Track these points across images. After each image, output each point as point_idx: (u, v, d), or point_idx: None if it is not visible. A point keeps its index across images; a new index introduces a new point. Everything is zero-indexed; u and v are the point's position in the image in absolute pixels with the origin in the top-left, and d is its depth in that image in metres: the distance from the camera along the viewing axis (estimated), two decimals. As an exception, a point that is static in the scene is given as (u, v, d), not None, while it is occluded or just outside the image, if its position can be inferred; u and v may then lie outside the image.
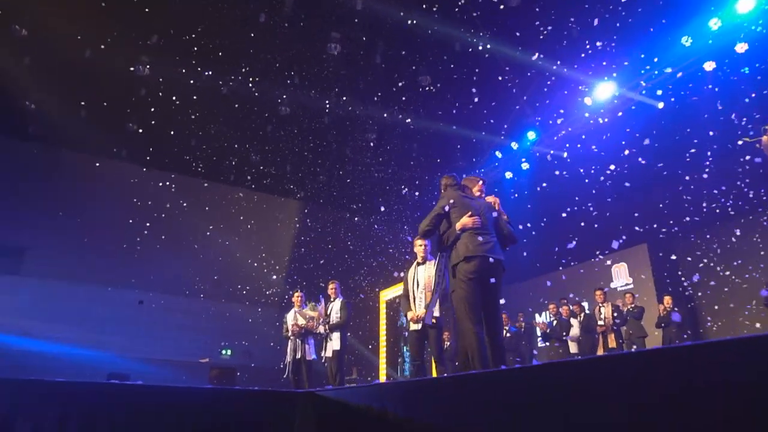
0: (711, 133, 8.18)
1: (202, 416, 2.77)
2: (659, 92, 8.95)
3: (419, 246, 5.59)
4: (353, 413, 2.97)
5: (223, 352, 13.48)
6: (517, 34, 8.92)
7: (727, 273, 8.89)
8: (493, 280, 3.94)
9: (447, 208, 4.21)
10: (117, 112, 10.36)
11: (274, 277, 13.61)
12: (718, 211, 8.60)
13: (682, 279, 9.69)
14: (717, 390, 1.32)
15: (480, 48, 9.21)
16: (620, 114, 9.41)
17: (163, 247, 11.98)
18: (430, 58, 9.68)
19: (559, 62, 9.10)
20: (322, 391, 3.06)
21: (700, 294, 9.44)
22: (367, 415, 2.91)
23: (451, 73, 9.91)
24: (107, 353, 10.82)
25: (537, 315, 11.58)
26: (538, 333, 9.87)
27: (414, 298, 5.46)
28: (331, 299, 7.31)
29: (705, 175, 8.73)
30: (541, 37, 8.74)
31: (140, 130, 10.59)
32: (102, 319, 11.49)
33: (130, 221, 11.66)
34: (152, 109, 10.33)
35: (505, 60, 9.54)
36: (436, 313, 5.21)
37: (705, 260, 9.16)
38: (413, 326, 5.36)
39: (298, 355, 7.25)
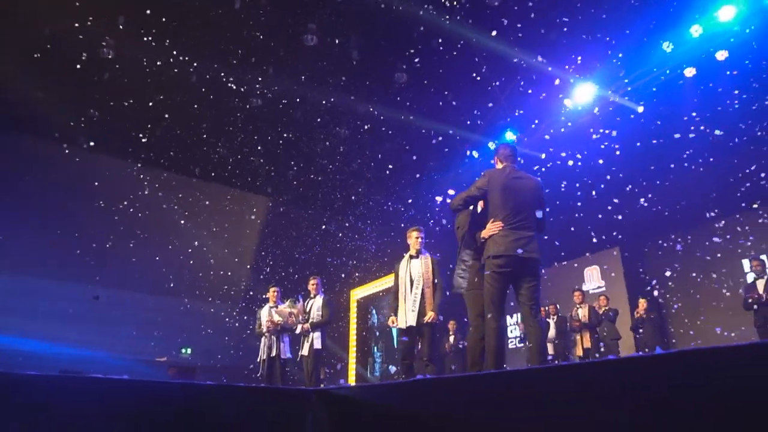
0: (676, 134, 8.33)
1: (206, 415, 2.51)
2: (629, 98, 9.05)
3: (415, 238, 5.30)
4: (368, 412, 2.79)
5: (183, 350, 12.96)
6: (497, 31, 8.85)
7: (698, 277, 9.04)
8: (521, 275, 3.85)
9: (482, 191, 4.02)
10: (79, 96, 9.78)
11: (241, 275, 13.17)
12: (699, 215, 8.76)
13: (654, 282, 9.82)
14: (711, 394, 1.51)
15: (459, 44, 9.11)
16: (599, 116, 9.45)
17: (121, 241, 11.42)
18: (408, 53, 9.51)
19: (539, 62, 9.08)
20: (336, 388, 2.86)
21: (670, 297, 9.58)
22: (383, 414, 2.74)
23: (428, 70, 9.77)
24: (59, 349, 10.24)
25: (508, 317, 11.55)
26: (517, 333, 9.83)
27: (405, 296, 5.18)
28: (312, 295, 7.00)
29: (679, 181, 8.89)
30: (521, 35, 8.70)
31: (105, 117, 10.06)
32: (54, 314, 10.82)
33: (87, 212, 11.05)
34: (117, 95, 9.81)
35: (485, 58, 9.46)
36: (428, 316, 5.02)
37: (676, 264, 9.30)
38: (403, 323, 5.11)
39: (273, 353, 6.94)
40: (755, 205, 8.41)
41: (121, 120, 10.35)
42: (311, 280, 7.10)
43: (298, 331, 6.86)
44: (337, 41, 9.45)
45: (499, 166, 4.21)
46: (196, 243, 12.40)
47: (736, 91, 7.63)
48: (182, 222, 12.34)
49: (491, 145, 10.82)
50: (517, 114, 10.35)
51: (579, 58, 9.03)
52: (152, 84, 9.71)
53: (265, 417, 2.59)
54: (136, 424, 2.41)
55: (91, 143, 10.81)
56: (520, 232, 3.83)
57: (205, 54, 9.39)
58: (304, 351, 6.78)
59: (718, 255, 8.85)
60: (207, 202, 12.74)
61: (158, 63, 9.30)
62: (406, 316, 5.11)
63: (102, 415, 2.34)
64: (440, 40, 9.14)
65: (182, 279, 12.30)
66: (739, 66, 7.70)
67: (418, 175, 12.26)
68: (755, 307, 7.12)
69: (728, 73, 7.79)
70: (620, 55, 8.79)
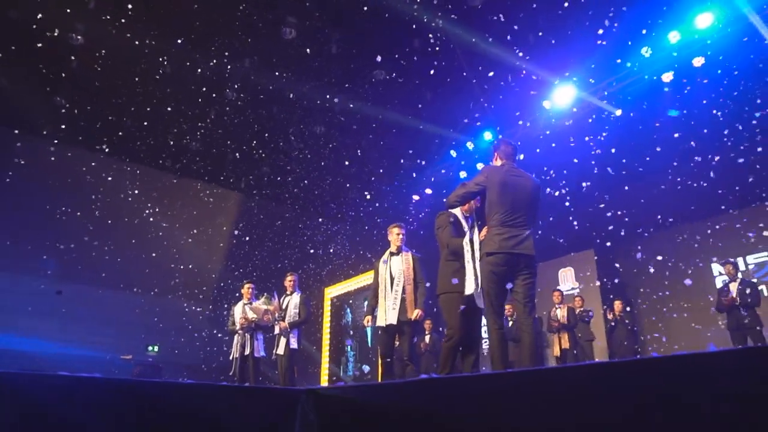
0: (653, 138, 8.43)
1: (193, 414, 2.36)
2: (608, 102, 9.13)
3: (396, 234, 5.18)
4: (359, 412, 2.68)
5: (150, 348, 12.60)
6: (478, 31, 8.82)
7: (669, 280, 9.17)
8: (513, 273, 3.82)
9: (481, 187, 3.99)
10: (41, 82, 9.38)
11: (212, 272, 12.86)
12: (671, 219, 8.86)
13: (626, 285, 9.94)
14: (711, 395, 1.50)
15: (439, 42, 9.05)
16: (577, 119, 9.50)
17: (86, 234, 11.02)
18: (386, 50, 9.39)
19: (520, 63, 9.07)
20: (326, 389, 2.74)
21: (642, 300, 9.70)
22: (374, 414, 2.63)
23: (406, 68, 9.68)
24: (20, 345, 9.84)
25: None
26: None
27: (385, 294, 5.05)
28: (288, 292, 6.81)
29: (653, 185, 9.01)
30: (502, 36, 8.69)
31: (70, 107, 9.69)
32: (14, 309, 10.36)
33: (52, 205, 10.63)
34: (84, 85, 9.48)
35: (465, 57, 9.42)
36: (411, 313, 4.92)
37: (649, 267, 9.41)
38: (383, 321, 4.99)
39: (246, 351, 6.74)
40: (730, 210, 8.59)
41: (87, 111, 10.00)
42: (288, 277, 6.89)
43: (277, 331, 6.67)
44: (315, 36, 9.29)
45: (498, 163, 4.18)
46: (165, 239, 12.07)
47: (722, 100, 7.76)
48: (151, 217, 11.98)
49: (470, 145, 10.80)
50: (495, 114, 10.34)
51: (559, 60, 9.06)
52: (123, 75, 9.40)
53: (254, 417, 2.46)
54: (121, 424, 2.25)
55: (56, 134, 10.41)
56: (515, 230, 3.81)
57: (178, 45, 9.11)
58: (280, 350, 6.61)
59: (689, 259, 9.00)
60: (177, 197, 12.40)
61: (129, 52, 8.99)
62: (386, 314, 5.00)
63: (81, 416, 2.17)
64: (419, 38, 9.06)
65: (150, 275, 11.94)
66: (715, 73, 7.83)
67: (394, 174, 12.17)
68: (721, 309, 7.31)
69: (703, 81, 7.93)
70: (601, 58, 8.85)
